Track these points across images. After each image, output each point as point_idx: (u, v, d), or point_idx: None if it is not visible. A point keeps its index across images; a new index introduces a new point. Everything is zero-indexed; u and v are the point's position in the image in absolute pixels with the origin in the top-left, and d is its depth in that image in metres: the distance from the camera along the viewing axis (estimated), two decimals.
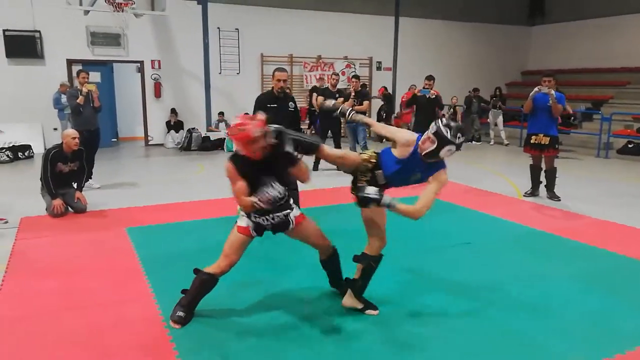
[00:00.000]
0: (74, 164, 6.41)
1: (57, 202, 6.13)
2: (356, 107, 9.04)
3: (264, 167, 3.29)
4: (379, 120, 14.17)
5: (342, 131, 9.65)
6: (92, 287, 4.06)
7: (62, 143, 6.32)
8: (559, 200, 7.10)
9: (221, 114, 13.63)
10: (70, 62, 12.17)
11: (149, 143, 13.27)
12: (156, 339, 3.26)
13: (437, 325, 3.46)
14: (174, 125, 13.15)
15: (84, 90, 7.49)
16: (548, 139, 7.03)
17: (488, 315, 3.60)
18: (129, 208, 6.58)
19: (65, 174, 6.35)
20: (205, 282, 3.55)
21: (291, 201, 3.60)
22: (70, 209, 6.31)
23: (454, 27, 16.59)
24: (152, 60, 12.93)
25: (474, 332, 3.35)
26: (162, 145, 13.19)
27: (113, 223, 5.86)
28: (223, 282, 4.15)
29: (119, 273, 4.38)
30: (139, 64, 13.12)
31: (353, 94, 9.12)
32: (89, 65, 12.41)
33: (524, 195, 7.50)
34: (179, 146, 12.66)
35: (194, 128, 12.77)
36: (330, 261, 3.76)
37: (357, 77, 9.40)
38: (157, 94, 13.11)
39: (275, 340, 3.26)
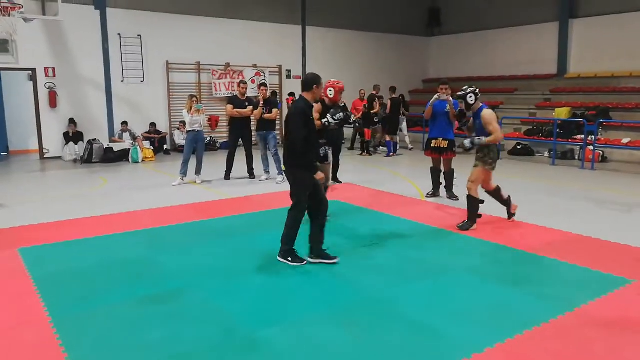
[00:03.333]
0: None
1: None
2: (266, 115, 9.10)
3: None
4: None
5: (252, 139, 9.59)
6: None
7: None
8: (457, 199, 7.60)
9: (124, 123, 13.05)
10: None
11: (45, 156, 12.37)
12: None
13: (340, 319, 3.55)
14: (73, 136, 12.38)
15: None
16: (447, 142, 7.60)
17: (394, 309, 3.75)
18: (22, 227, 6.10)
19: None
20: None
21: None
22: None
23: (358, 37, 17.16)
24: (45, 68, 12.09)
25: (379, 325, 3.48)
26: (59, 158, 12.36)
27: (3, 244, 5.40)
28: (129, 298, 4.01)
29: (11, 296, 4.04)
30: (30, 72, 12.23)
31: (262, 102, 9.12)
32: None
33: (426, 196, 7.92)
34: (79, 158, 11.92)
35: (95, 139, 12.11)
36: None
37: (265, 84, 9.41)
38: (53, 103, 12.27)
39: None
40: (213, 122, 14.38)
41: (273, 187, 8.67)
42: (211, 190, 8.53)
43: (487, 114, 5.86)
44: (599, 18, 14.24)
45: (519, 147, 12.89)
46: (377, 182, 9.04)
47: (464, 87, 6.01)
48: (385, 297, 4.02)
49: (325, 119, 5.56)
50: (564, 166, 11.15)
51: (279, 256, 4.79)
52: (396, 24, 17.97)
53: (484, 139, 5.85)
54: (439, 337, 3.36)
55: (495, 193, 6.26)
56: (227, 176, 9.49)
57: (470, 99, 5.90)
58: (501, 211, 6.79)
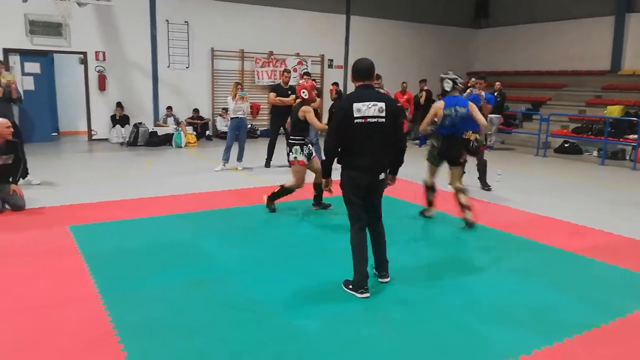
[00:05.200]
0: (8, 157, 6.07)
1: None
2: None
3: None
4: (329, 118, 14.24)
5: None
6: (36, 288, 3.88)
7: None
8: (490, 189, 7.76)
9: (169, 108, 13.31)
10: (6, 52, 11.51)
11: (93, 138, 12.76)
12: (103, 339, 3.16)
13: (382, 320, 3.53)
14: (120, 119, 12.72)
15: (3, 81, 7.06)
16: (476, 135, 7.49)
17: (432, 309, 3.70)
18: (71, 205, 6.32)
19: None
20: (288, 192, 6.04)
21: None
22: (6, 206, 5.99)
23: (403, 27, 16.89)
24: (96, 52, 12.44)
25: (419, 324, 3.44)
26: (106, 140, 12.72)
27: (54, 221, 5.61)
28: (175, 281, 4.09)
29: (63, 273, 4.20)
30: (82, 55, 12.60)
31: None
32: (27, 55, 11.84)
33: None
34: (125, 141, 12.25)
35: (141, 123, 12.40)
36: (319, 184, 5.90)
37: (308, 74, 9.41)
38: (102, 86, 12.62)
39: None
40: (254, 109, 14.44)
41: (312, 176, 8.66)
42: (252, 177, 8.62)
43: (434, 104, 5.83)
44: None
45: (566, 145, 12.46)
46: (415, 176, 8.86)
47: (448, 72, 5.86)
48: (422, 296, 3.95)
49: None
50: (614, 166, 10.72)
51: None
52: (442, 15, 17.59)
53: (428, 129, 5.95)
54: (483, 339, 3.29)
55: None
56: (268, 164, 9.56)
57: (447, 85, 5.66)
58: (548, 209, 6.60)
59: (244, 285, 4.06)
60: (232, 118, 9.21)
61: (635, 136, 11.28)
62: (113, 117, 12.74)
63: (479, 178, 7.94)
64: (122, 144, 12.27)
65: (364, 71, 3.86)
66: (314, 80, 9.90)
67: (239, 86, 9.23)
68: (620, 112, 12.39)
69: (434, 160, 5.90)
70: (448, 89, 5.66)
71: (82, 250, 4.70)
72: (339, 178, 3.93)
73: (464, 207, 5.71)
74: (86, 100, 12.66)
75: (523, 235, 5.50)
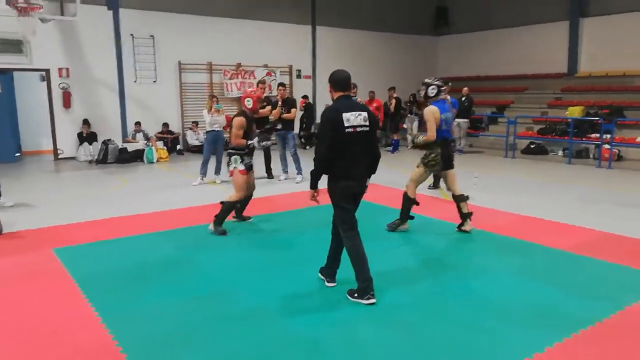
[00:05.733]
0: None
1: None
2: (284, 115, 9.09)
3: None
4: (300, 128, 14.30)
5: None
6: (30, 314, 3.71)
7: None
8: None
9: (138, 123, 13.04)
10: None
11: (59, 157, 12.35)
12: (111, 358, 3.06)
13: (387, 318, 3.55)
14: (87, 136, 12.35)
15: None
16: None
17: (441, 309, 3.75)
18: (51, 227, 6.08)
19: None
20: (231, 209, 5.75)
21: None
22: None
23: (368, 37, 17.15)
24: (59, 68, 12.07)
25: (429, 326, 3.47)
26: (73, 158, 12.33)
27: (37, 244, 5.39)
28: (172, 297, 4.01)
29: (57, 296, 4.04)
30: (43, 73, 12.20)
31: (280, 102, 9.11)
32: None
33: (428, 188, 8.31)
34: (94, 159, 11.90)
35: (110, 139, 12.09)
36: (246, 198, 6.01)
37: (283, 85, 9.40)
38: (67, 104, 12.25)
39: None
40: (228, 122, 14.33)
41: (292, 187, 8.66)
42: (231, 191, 8.50)
43: (427, 111, 5.63)
44: (609, 17, 14.25)
45: (532, 146, 12.89)
46: (395, 182, 8.97)
47: (432, 77, 5.90)
48: (431, 297, 4.02)
49: (251, 142, 5.76)
50: (581, 165, 11.16)
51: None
52: (404, 23, 17.96)
53: (421, 138, 5.75)
54: (494, 337, 3.35)
55: (407, 199, 5.84)
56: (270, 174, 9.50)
57: (432, 91, 5.67)
58: (528, 210, 6.80)
59: (242, 297, 4.01)
60: (208, 131, 9.10)
61: (598, 135, 11.80)
62: (80, 135, 12.36)
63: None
64: (90, 162, 11.91)
65: (343, 82, 3.95)
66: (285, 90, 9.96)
67: (215, 99, 9.13)
68: (581, 113, 12.93)
69: (435, 167, 5.82)
70: (433, 95, 5.71)
71: (72, 272, 4.53)
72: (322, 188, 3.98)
73: (465, 215, 5.78)
74: (50, 118, 12.25)
75: (512, 236, 5.64)
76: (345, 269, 4.08)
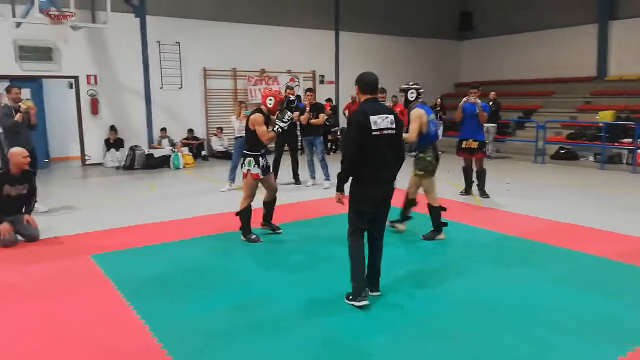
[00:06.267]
0: (23, 186, 5.87)
1: (4, 227, 5.57)
2: (312, 121, 9.04)
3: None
4: (325, 132, 14.27)
5: (299, 144, 9.56)
6: (76, 321, 3.70)
7: (7, 163, 5.78)
8: (488, 197, 7.89)
9: (163, 130, 13.12)
10: None
11: (87, 162, 12.48)
12: None
13: (441, 329, 3.45)
14: (114, 143, 12.47)
15: (23, 107, 6.93)
16: (477, 143, 7.91)
17: (495, 320, 3.63)
18: (87, 233, 6.10)
19: (13, 197, 5.79)
20: (248, 213, 5.64)
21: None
22: (19, 237, 5.75)
23: (391, 41, 17.06)
24: (87, 75, 12.21)
25: (486, 337, 3.36)
26: (100, 164, 12.44)
27: (74, 250, 5.40)
28: (216, 306, 3.95)
29: (101, 303, 4.02)
30: (72, 80, 12.36)
31: (308, 107, 9.07)
32: (16, 81, 11.52)
33: (459, 194, 8.19)
34: (121, 165, 11.99)
35: (137, 145, 12.18)
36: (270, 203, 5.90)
37: (311, 90, 9.38)
38: (94, 110, 12.38)
39: None
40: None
41: (320, 193, 8.60)
42: (260, 196, 8.46)
43: (414, 113, 5.54)
44: (638, 19, 13.95)
45: (562, 152, 12.64)
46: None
47: (408, 82, 5.79)
48: (483, 306, 3.90)
49: (276, 126, 5.50)
50: (614, 170, 10.90)
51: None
52: (428, 28, 17.83)
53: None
54: (554, 351, 3.22)
55: (433, 209, 5.69)
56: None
57: (411, 95, 5.64)
58: (564, 216, 6.63)
59: (291, 305, 3.93)
60: (237, 137, 9.08)
61: (630, 140, 11.53)
62: (107, 141, 12.48)
63: (477, 185, 8.07)
64: (117, 167, 12.00)
65: (370, 84, 3.94)
66: (297, 95, 9.90)
67: (243, 105, 9.13)
68: (612, 117, 12.64)
69: (431, 170, 5.68)
70: (413, 99, 5.64)
71: (112, 278, 4.52)
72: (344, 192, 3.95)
73: (405, 218, 5.92)
74: (78, 125, 12.39)
75: (551, 243, 5.49)
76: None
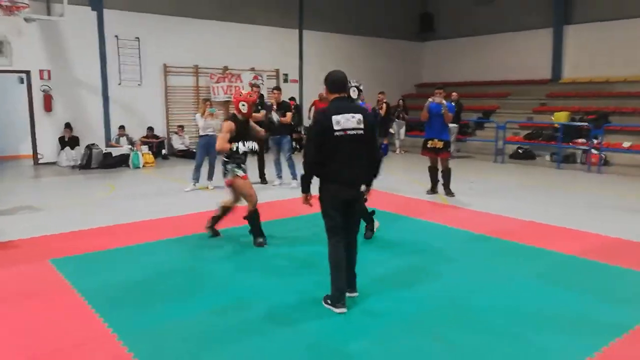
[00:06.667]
0: None
1: None
2: (280, 119, 8.91)
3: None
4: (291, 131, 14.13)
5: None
6: (41, 332, 3.45)
7: None
8: (454, 196, 8.00)
9: (122, 127, 12.68)
10: None
11: (39, 162, 11.89)
12: None
13: (422, 329, 3.43)
14: (69, 141, 11.93)
15: None
16: (442, 143, 8.04)
17: (474, 318, 3.64)
18: (43, 236, 5.78)
19: None
20: (258, 215, 5.42)
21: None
22: None
23: (353, 41, 17.11)
24: (40, 70, 11.63)
25: (466, 334, 3.36)
26: (54, 163, 11.89)
27: (31, 255, 5.10)
28: (191, 311, 3.80)
29: (65, 312, 3.79)
30: (22, 75, 11.76)
31: (275, 106, 8.93)
32: None
33: (426, 193, 8.29)
34: (77, 164, 11.48)
35: (94, 144, 11.69)
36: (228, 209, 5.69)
37: (278, 88, 9.23)
38: (48, 107, 11.81)
39: None
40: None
41: (288, 193, 8.49)
42: (227, 197, 8.28)
43: None
44: (592, 24, 14.51)
45: (520, 151, 12.99)
46: (389, 186, 8.85)
47: (351, 80, 5.46)
48: (461, 305, 3.91)
49: (236, 145, 5.32)
50: (570, 170, 11.28)
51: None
52: (390, 29, 17.98)
53: None
54: (532, 346, 3.26)
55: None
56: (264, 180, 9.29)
57: (354, 93, 5.60)
58: (528, 214, 6.78)
59: (270, 309, 3.82)
60: (201, 136, 8.85)
61: (584, 140, 11.98)
62: (61, 139, 11.93)
63: (442, 184, 8.17)
64: (73, 167, 11.49)
65: (338, 83, 3.83)
66: (261, 94, 9.66)
67: (208, 103, 8.91)
68: (566, 118, 13.09)
69: None
70: (355, 97, 5.60)
71: (76, 285, 4.27)
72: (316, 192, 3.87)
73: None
74: (30, 122, 11.79)
75: (519, 241, 5.59)
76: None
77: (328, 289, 3.88)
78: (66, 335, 3.42)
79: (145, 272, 4.66)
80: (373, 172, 3.89)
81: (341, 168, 3.70)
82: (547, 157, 12.66)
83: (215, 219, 5.84)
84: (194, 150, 12.97)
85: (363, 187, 3.80)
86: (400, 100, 14.98)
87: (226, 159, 5.48)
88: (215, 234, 5.83)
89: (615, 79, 13.92)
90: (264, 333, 3.46)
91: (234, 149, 5.33)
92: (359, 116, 3.72)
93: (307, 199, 3.94)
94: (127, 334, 3.41)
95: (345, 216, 3.82)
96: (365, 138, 3.75)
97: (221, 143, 5.35)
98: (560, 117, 13.13)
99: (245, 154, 5.47)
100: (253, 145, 5.52)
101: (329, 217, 3.80)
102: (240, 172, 5.44)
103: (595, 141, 11.39)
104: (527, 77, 16.01)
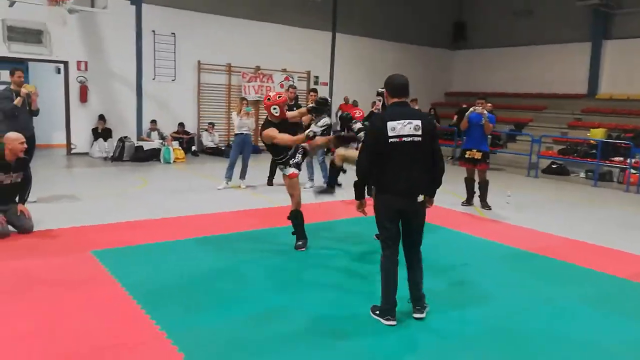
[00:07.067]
0: (18, 175, 5.53)
1: None
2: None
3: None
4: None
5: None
6: (83, 328, 3.40)
7: (2, 150, 5.44)
8: (490, 209, 7.83)
9: (153, 122, 12.75)
10: None
11: (72, 152, 12.01)
12: None
13: (472, 350, 3.30)
14: (102, 132, 12.04)
15: (23, 91, 6.63)
16: (480, 154, 7.86)
17: (524, 343, 3.50)
18: (83, 227, 5.78)
19: (5, 186, 5.44)
20: (300, 215, 5.29)
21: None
22: (11, 228, 5.40)
23: (386, 46, 17.01)
24: (78, 62, 11.77)
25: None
26: (86, 154, 12.01)
27: (72, 245, 5.09)
28: (236, 314, 3.71)
29: (111, 307, 3.74)
30: (60, 65, 11.90)
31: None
32: (1, 63, 11.04)
33: (461, 205, 8.10)
34: (109, 156, 11.57)
35: (127, 137, 11.77)
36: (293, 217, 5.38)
37: (315, 90, 9.18)
38: (83, 98, 11.94)
39: None
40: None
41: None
42: (258, 196, 8.25)
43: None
44: (631, 40, 14.21)
45: (554, 166, 12.73)
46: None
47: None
48: (512, 329, 3.73)
49: (309, 130, 5.04)
50: (607, 188, 11.00)
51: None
52: (423, 36, 17.85)
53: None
54: None
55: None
56: (270, 182, 9.21)
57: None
58: (569, 232, 6.59)
59: (314, 316, 3.73)
60: (236, 134, 8.83)
61: (621, 158, 11.68)
62: (94, 130, 12.05)
63: (479, 196, 8.01)
64: (105, 158, 11.58)
65: (400, 87, 3.67)
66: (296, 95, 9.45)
67: (245, 101, 8.89)
68: (603, 135, 12.80)
69: None
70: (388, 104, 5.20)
71: (119, 279, 4.24)
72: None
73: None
74: (66, 112, 11.93)
75: (568, 261, 5.40)
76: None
77: (375, 299, 3.77)
78: (115, 331, 3.37)
79: (186, 269, 4.61)
80: (434, 181, 3.73)
81: (395, 177, 3.55)
82: (582, 174, 12.37)
83: (298, 231, 5.53)
84: (223, 148, 13.09)
85: (421, 197, 3.63)
86: (432, 109, 14.82)
87: (276, 159, 5.38)
88: None
89: None
90: (312, 347, 3.36)
91: (310, 135, 4.98)
92: (417, 122, 3.55)
93: (361, 206, 3.83)
94: (176, 333, 3.35)
95: (404, 226, 3.69)
96: (424, 145, 3.58)
97: (287, 139, 5.06)
98: (597, 134, 12.85)
99: (297, 150, 5.29)
100: (325, 120, 5.13)
101: (384, 228, 3.67)
102: (287, 171, 5.33)
103: (635, 160, 11.08)
104: (562, 91, 15.73)
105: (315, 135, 5.03)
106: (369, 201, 3.83)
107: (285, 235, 5.54)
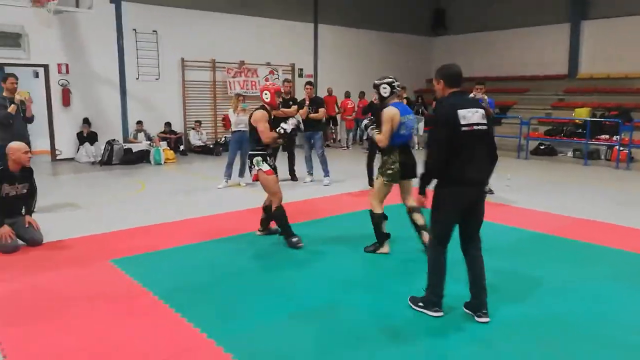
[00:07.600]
0: (23, 186, 5.31)
1: (5, 230, 5.02)
2: (312, 115, 8.76)
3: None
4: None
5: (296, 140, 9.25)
6: (126, 340, 3.29)
7: (6, 160, 5.22)
8: (493, 193, 7.74)
9: (139, 123, 12.45)
10: None
11: (57, 158, 11.64)
12: None
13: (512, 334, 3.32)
14: (87, 136, 11.69)
15: (17, 98, 6.38)
16: None
17: (578, 327, 3.54)
18: (93, 236, 5.60)
19: (11, 198, 5.22)
20: (283, 213, 5.18)
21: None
22: (20, 241, 5.19)
23: (367, 35, 16.96)
24: (58, 64, 11.37)
25: (579, 347, 3.26)
26: (72, 159, 11.66)
27: (89, 256, 4.92)
28: (278, 315, 3.63)
29: (149, 317, 3.62)
30: (39, 69, 11.49)
31: (308, 101, 8.77)
32: None
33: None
34: (97, 160, 11.25)
35: (114, 140, 11.46)
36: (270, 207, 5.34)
37: (311, 83, 9.08)
38: (66, 101, 11.56)
39: None
40: (227, 121, 13.87)
41: (320, 190, 8.36)
42: (261, 194, 8.08)
43: (386, 112, 4.78)
44: (610, 20, 14.48)
45: (542, 147, 12.93)
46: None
47: (382, 77, 4.97)
48: (560, 313, 3.74)
49: (280, 127, 5.12)
50: (597, 166, 11.23)
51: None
52: (403, 23, 17.85)
53: (375, 133, 4.94)
54: None
55: (373, 216, 4.98)
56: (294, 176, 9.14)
57: (384, 91, 4.87)
58: (574, 211, 6.69)
59: (358, 315, 3.69)
60: (233, 131, 8.68)
61: (607, 136, 11.93)
62: (80, 135, 11.69)
63: None
64: (93, 163, 11.26)
65: (456, 76, 3.57)
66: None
67: (241, 97, 8.72)
68: (587, 114, 13.05)
69: (395, 177, 4.87)
70: (387, 95, 4.89)
71: (149, 287, 4.11)
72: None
73: (421, 228, 4.88)
74: (48, 117, 11.52)
75: (583, 240, 5.49)
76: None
77: (415, 292, 3.75)
78: (164, 342, 3.26)
79: (211, 272, 4.53)
80: (491, 172, 3.68)
81: (466, 167, 3.43)
82: (570, 154, 12.61)
83: (264, 222, 5.68)
84: (212, 146, 12.89)
85: (487, 187, 3.63)
86: (419, 97, 14.87)
87: (252, 152, 5.25)
88: (270, 233, 5.68)
89: (633, 74, 13.88)
90: (377, 347, 3.32)
91: (281, 132, 5.11)
92: (481, 111, 3.48)
93: (422, 201, 3.71)
94: (226, 341, 3.25)
95: (465, 222, 3.58)
96: (488, 134, 3.55)
97: (266, 134, 5.07)
98: (582, 113, 13.10)
99: (284, 133, 5.22)
100: (295, 121, 5.26)
101: (442, 224, 3.55)
102: (264, 167, 5.17)
103: (622, 137, 11.33)
104: (544, 72, 15.96)
105: (285, 132, 5.18)
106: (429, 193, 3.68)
107: (301, 230, 5.45)
